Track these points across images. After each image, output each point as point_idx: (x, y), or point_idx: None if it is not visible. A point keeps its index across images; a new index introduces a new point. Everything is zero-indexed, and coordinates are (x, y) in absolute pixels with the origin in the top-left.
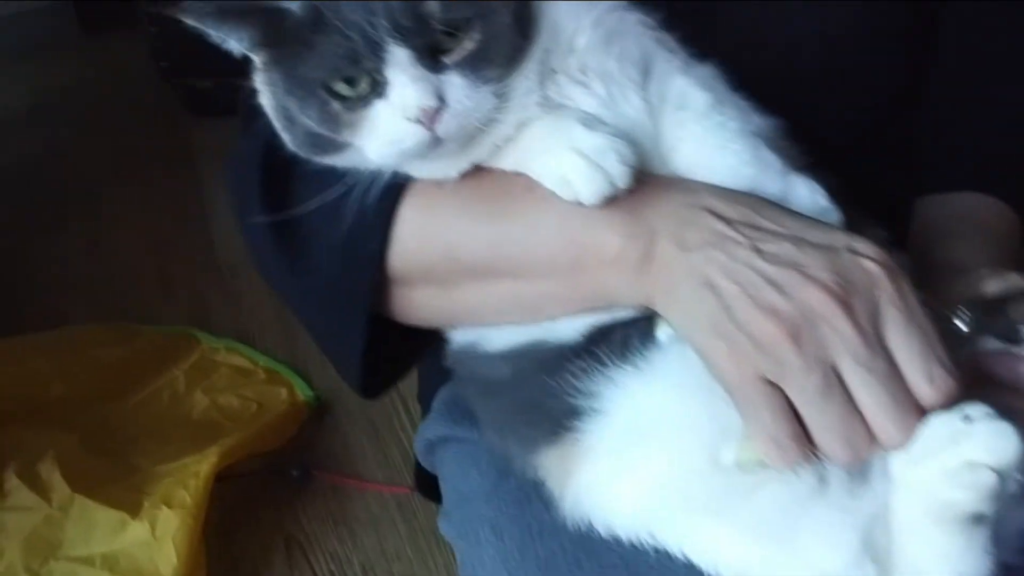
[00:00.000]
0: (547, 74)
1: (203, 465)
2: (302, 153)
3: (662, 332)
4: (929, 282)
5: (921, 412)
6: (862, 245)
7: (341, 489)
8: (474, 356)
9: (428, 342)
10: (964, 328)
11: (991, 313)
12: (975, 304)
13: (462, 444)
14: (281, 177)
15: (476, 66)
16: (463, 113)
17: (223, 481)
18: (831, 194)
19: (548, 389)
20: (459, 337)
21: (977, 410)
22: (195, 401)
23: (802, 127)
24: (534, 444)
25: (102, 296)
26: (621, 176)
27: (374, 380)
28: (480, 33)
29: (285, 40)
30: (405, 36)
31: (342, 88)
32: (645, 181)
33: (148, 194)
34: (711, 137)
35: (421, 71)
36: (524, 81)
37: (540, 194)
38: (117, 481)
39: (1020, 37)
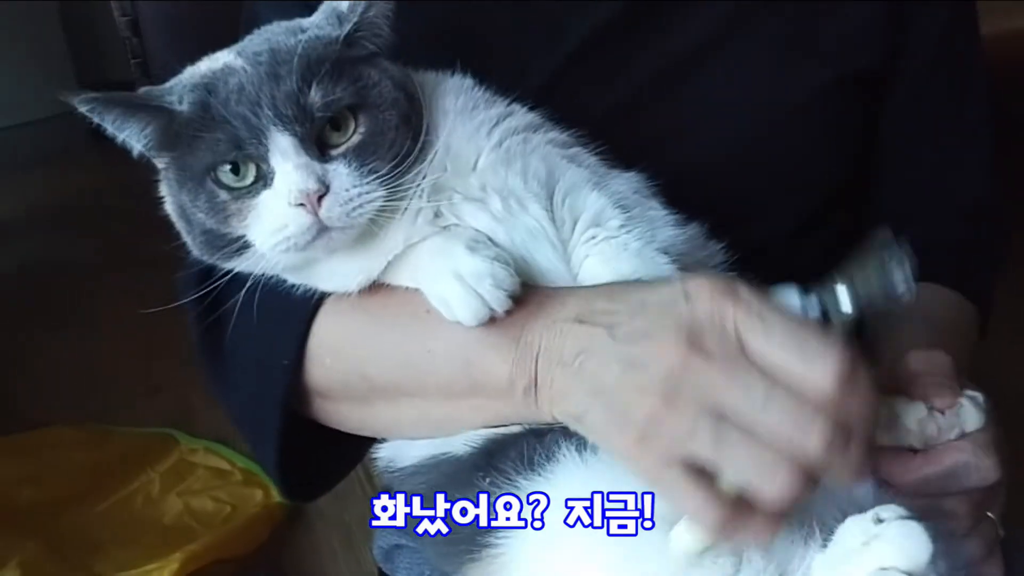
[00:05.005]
0: (444, 194)
1: (164, 572)
2: (203, 256)
3: None
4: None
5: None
6: (693, 284)
7: None
8: (393, 471)
9: (368, 445)
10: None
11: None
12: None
13: (414, 553)
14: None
15: (361, 157)
16: (347, 199)
17: None
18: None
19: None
20: (380, 452)
21: (889, 511)
22: (168, 505)
23: (741, 220)
24: (458, 561)
25: (87, 399)
26: (497, 300)
27: (310, 483)
28: (366, 127)
29: (178, 141)
30: (288, 124)
31: (228, 177)
32: (528, 300)
33: (140, 299)
34: (612, 256)
35: (305, 158)
36: (414, 183)
37: (437, 316)
38: None
39: (960, 126)
